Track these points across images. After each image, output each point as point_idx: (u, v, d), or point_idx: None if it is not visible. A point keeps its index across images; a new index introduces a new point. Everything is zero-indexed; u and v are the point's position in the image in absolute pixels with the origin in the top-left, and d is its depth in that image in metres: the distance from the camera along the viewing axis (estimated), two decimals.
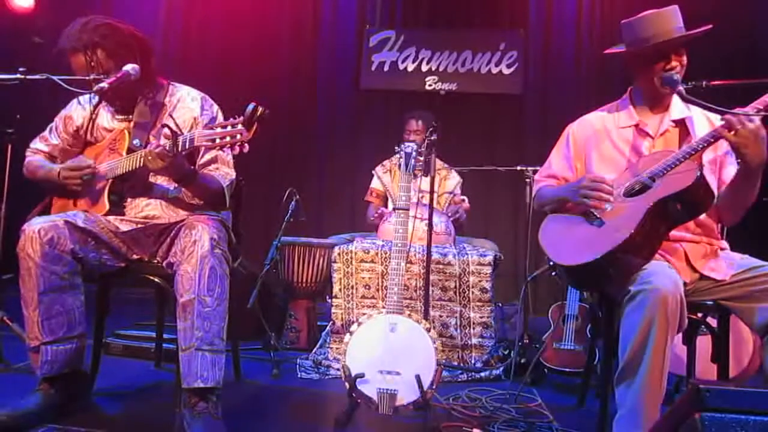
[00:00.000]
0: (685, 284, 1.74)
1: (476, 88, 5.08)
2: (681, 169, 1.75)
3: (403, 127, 3.67)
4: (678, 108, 1.97)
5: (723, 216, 1.92)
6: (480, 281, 2.90)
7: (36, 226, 1.86)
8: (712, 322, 1.97)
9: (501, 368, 2.75)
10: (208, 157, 2.11)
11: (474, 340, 2.87)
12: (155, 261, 2.08)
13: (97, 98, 2.16)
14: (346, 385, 1.98)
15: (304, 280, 3.27)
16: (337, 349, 2.83)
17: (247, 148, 1.77)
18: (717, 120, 1.86)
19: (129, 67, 1.98)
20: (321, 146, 5.22)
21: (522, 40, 5.06)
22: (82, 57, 1.98)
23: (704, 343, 2.14)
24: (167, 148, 1.85)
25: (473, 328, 2.88)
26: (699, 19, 1.89)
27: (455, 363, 2.83)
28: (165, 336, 2.60)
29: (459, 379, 2.70)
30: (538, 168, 2.29)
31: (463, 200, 3.52)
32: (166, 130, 1.84)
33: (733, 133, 1.69)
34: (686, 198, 1.72)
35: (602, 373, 2.02)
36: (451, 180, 3.66)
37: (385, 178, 3.69)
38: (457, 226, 3.35)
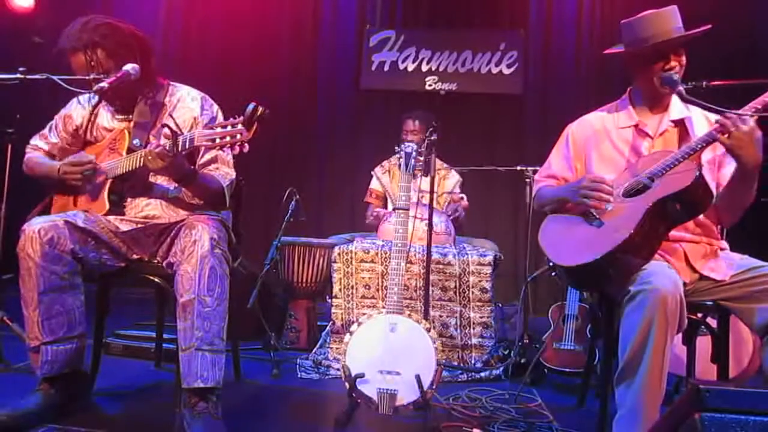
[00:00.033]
0: (684, 284, 1.74)
1: (476, 88, 5.07)
2: (680, 169, 1.75)
3: (400, 127, 3.69)
4: (677, 108, 1.97)
5: (721, 216, 1.92)
6: (480, 281, 2.90)
7: (36, 226, 1.86)
8: (712, 322, 1.97)
9: (501, 368, 2.75)
10: (208, 156, 2.11)
11: (474, 340, 2.87)
12: (155, 261, 2.08)
13: (96, 98, 2.16)
14: (346, 385, 1.98)
15: (304, 280, 3.27)
16: (337, 349, 2.83)
17: (247, 148, 1.77)
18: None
19: (129, 67, 1.98)
20: (321, 146, 5.22)
21: (522, 40, 5.06)
22: (82, 56, 1.99)
23: (704, 344, 2.14)
24: (167, 147, 1.85)
25: (473, 328, 2.88)
26: (698, 19, 1.89)
27: (455, 363, 2.83)
28: (165, 336, 2.60)
29: (459, 379, 2.70)
30: (538, 168, 2.29)
31: (462, 198, 3.53)
32: (166, 130, 1.84)
33: (726, 136, 1.69)
34: (685, 198, 1.72)
35: (602, 373, 2.02)
36: (450, 179, 3.66)
37: (384, 178, 3.70)
38: (457, 225, 3.35)
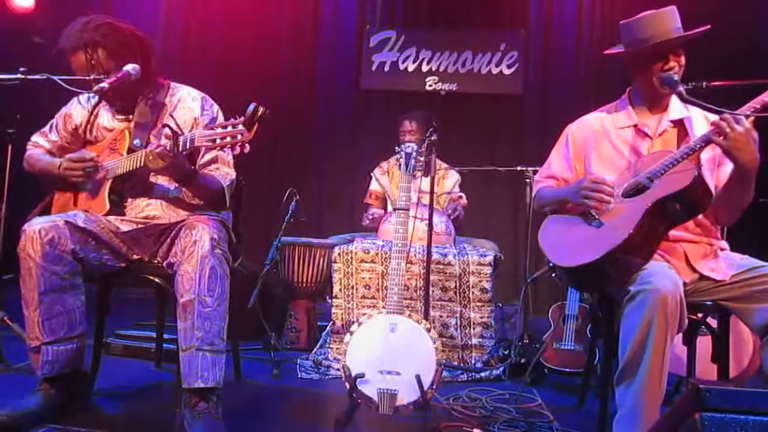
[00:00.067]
0: (684, 284, 1.74)
1: (476, 88, 5.07)
2: (679, 169, 1.75)
3: (397, 128, 3.69)
4: (676, 108, 1.97)
5: (719, 216, 1.92)
6: (480, 281, 2.90)
7: (36, 226, 1.86)
8: (712, 322, 1.97)
9: (501, 368, 2.75)
10: (208, 157, 2.11)
11: (474, 340, 2.87)
12: (155, 261, 2.08)
13: (96, 98, 2.16)
14: (347, 385, 1.98)
15: (305, 280, 3.27)
16: (337, 349, 2.83)
17: (248, 148, 1.77)
18: None
19: (129, 67, 1.98)
20: (321, 146, 5.22)
21: (522, 41, 5.06)
22: (83, 56, 1.99)
23: (704, 344, 2.14)
24: (168, 148, 1.85)
25: (473, 328, 2.88)
26: (698, 20, 1.89)
27: (455, 363, 2.83)
28: (165, 336, 2.60)
29: (459, 379, 2.70)
30: (538, 168, 2.29)
31: (461, 197, 3.53)
32: (166, 130, 1.85)
33: (722, 137, 1.69)
34: (685, 198, 1.72)
35: (602, 373, 2.02)
36: (449, 179, 3.66)
37: (383, 179, 3.70)
38: (457, 225, 3.35)
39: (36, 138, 2.28)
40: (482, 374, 2.73)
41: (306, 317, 3.23)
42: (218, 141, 1.78)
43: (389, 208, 3.63)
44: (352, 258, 2.95)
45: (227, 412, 1.91)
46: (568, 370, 2.66)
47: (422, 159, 2.33)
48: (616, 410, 1.68)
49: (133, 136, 2.08)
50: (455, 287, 2.90)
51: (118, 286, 2.37)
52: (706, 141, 1.73)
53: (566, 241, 1.89)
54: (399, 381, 1.95)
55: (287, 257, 3.25)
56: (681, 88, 1.82)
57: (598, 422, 1.94)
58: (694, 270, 1.84)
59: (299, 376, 2.68)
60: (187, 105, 2.15)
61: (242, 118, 1.77)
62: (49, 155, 2.22)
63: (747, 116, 1.69)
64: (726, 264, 1.84)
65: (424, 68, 5.13)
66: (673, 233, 1.84)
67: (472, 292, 2.90)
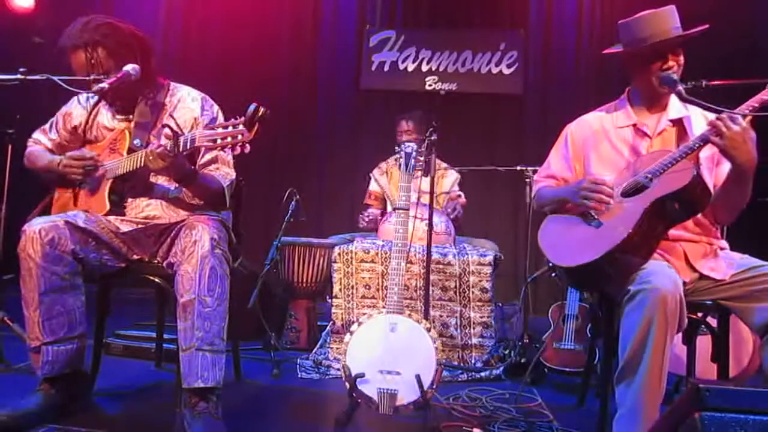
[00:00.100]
0: (684, 284, 1.74)
1: (476, 88, 5.07)
2: (678, 169, 1.75)
3: (394, 128, 3.69)
4: (675, 108, 1.97)
5: (718, 215, 1.92)
6: (480, 281, 2.90)
7: (36, 226, 1.87)
8: (712, 321, 1.97)
9: (501, 368, 2.75)
10: (208, 157, 2.11)
11: (474, 340, 2.87)
12: (155, 261, 2.08)
13: (96, 97, 2.16)
14: (347, 385, 1.98)
15: (305, 280, 3.27)
16: (337, 349, 2.84)
17: (248, 148, 1.77)
18: None
19: (129, 67, 1.98)
20: (321, 146, 5.22)
21: (522, 40, 5.06)
22: (83, 54, 1.99)
23: (704, 343, 2.15)
24: (168, 148, 1.85)
25: (473, 328, 2.88)
26: (697, 19, 1.89)
27: (455, 363, 2.83)
28: (165, 336, 2.60)
29: (459, 379, 2.70)
30: (538, 168, 2.29)
31: (459, 196, 3.54)
32: (167, 130, 1.85)
33: (719, 137, 1.69)
34: (683, 197, 1.72)
35: (602, 373, 2.02)
36: (448, 178, 3.66)
37: (382, 180, 3.71)
38: (457, 225, 3.35)
39: (37, 135, 2.28)
40: (482, 374, 2.73)
41: (306, 317, 3.23)
42: (219, 141, 1.78)
43: (389, 209, 3.64)
44: (352, 258, 2.96)
45: (227, 412, 1.91)
46: (568, 369, 2.66)
47: (422, 159, 2.33)
48: (616, 410, 1.68)
49: (133, 136, 2.08)
50: (455, 287, 2.90)
51: (118, 286, 2.37)
52: (705, 140, 1.73)
53: (566, 240, 1.89)
54: (399, 381, 1.95)
55: (287, 257, 3.25)
56: (680, 88, 1.82)
57: (598, 422, 1.94)
58: (694, 269, 1.85)
59: (299, 376, 2.68)
60: (187, 105, 2.15)
61: (243, 119, 1.77)
62: (49, 153, 2.22)
63: (745, 115, 1.69)
64: (726, 263, 1.84)
65: (424, 68, 5.13)
66: (673, 232, 1.84)
67: (472, 292, 2.90)
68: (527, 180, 3.22)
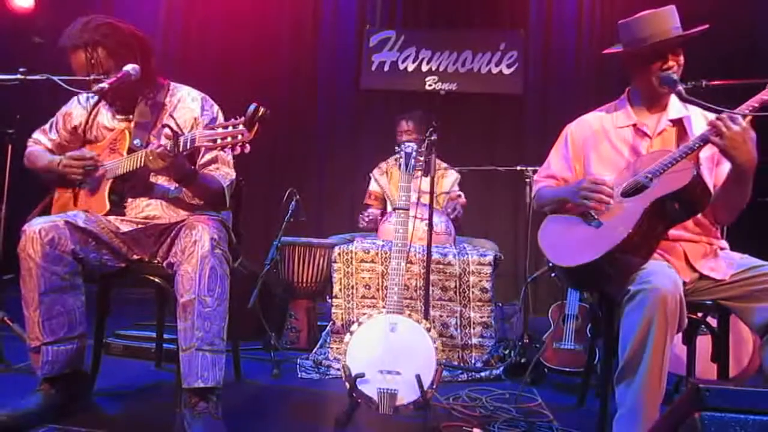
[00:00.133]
0: (684, 284, 1.74)
1: (476, 88, 5.07)
2: (678, 169, 1.75)
3: (394, 128, 3.69)
4: (675, 107, 1.97)
5: (718, 215, 1.92)
6: (480, 281, 2.90)
7: (36, 226, 1.87)
8: (712, 321, 1.97)
9: (501, 368, 2.75)
10: (208, 157, 2.11)
11: (474, 340, 2.87)
12: (155, 261, 2.08)
13: (96, 97, 2.16)
14: (347, 385, 1.98)
15: (305, 280, 3.27)
16: (337, 349, 2.84)
17: (248, 148, 1.77)
18: None
19: (129, 67, 1.98)
20: (321, 146, 5.22)
21: (522, 40, 5.06)
22: (83, 54, 1.99)
23: (704, 343, 2.15)
24: (168, 148, 1.85)
25: (473, 328, 2.88)
26: (697, 19, 1.89)
27: (455, 363, 2.83)
28: (165, 336, 2.60)
29: (459, 379, 2.70)
30: (538, 168, 2.29)
31: (459, 196, 3.53)
32: (167, 130, 1.85)
33: (719, 137, 1.69)
34: (683, 197, 1.72)
35: (602, 373, 2.02)
36: (447, 178, 3.66)
37: (381, 180, 3.71)
38: (457, 225, 3.35)
39: (37, 135, 2.28)
40: (482, 374, 2.73)
41: (306, 317, 3.23)
42: (219, 141, 1.78)
43: (389, 209, 3.64)
44: (352, 258, 2.96)
45: (227, 412, 1.91)
46: (568, 369, 2.66)
47: (422, 159, 2.33)
48: (616, 410, 1.68)
49: (133, 136, 2.08)
50: (455, 287, 2.90)
51: (118, 286, 2.37)
52: (704, 140, 1.73)
53: (566, 241, 1.89)
54: (399, 381, 1.95)
55: (287, 257, 3.25)
56: (680, 88, 1.82)
57: (598, 422, 1.94)
58: (694, 269, 1.85)
59: (299, 376, 2.68)
60: (187, 105, 2.15)
61: (243, 119, 1.77)
62: (49, 153, 2.22)
63: (745, 115, 1.69)
64: (726, 263, 1.84)
65: (424, 68, 5.13)
66: (673, 232, 1.84)
67: (472, 292, 2.90)
68: (527, 180, 3.22)
